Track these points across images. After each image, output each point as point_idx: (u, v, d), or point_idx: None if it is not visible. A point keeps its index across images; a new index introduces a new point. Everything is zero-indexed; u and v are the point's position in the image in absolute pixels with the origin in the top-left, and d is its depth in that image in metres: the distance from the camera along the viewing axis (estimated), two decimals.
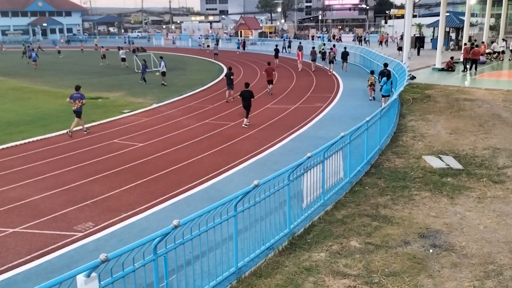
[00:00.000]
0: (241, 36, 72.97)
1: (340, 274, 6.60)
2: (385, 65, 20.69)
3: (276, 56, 37.41)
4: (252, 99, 16.63)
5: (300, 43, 44.16)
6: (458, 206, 8.98)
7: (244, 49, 53.93)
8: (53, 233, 8.34)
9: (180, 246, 5.63)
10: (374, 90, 21.07)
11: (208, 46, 59.19)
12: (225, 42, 65.70)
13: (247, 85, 17.18)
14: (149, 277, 5.51)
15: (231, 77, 21.97)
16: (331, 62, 31.34)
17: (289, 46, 50.10)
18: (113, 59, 42.70)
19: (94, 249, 7.65)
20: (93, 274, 4.52)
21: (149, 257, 5.22)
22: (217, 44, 51.63)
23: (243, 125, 16.52)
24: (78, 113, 16.01)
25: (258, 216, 7.26)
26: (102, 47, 48.47)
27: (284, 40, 57.47)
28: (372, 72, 22.09)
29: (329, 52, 32.31)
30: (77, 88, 16.56)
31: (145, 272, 5.32)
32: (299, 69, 33.70)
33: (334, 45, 38.31)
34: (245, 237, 7.27)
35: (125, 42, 73.09)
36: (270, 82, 23.89)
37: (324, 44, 42.64)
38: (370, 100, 21.01)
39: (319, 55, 35.19)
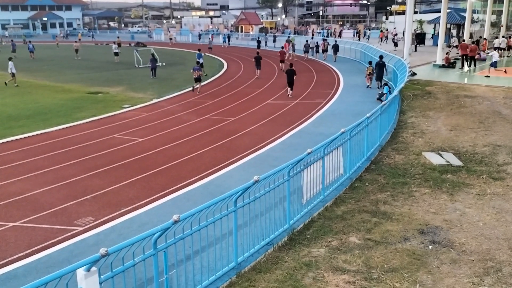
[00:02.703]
0: (241, 31, 73.45)
1: (340, 269, 6.62)
2: (381, 57, 22.72)
3: (258, 47, 45.40)
4: (295, 76, 21.15)
5: (288, 36, 50.01)
6: (457, 202, 9.00)
7: (229, 43, 56.87)
8: (53, 227, 8.36)
9: (180, 241, 5.65)
10: (371, 79, 23.32)
11: (170, 39, 63.68)
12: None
13: (291, 65, 22.02)
14: (149, 271, 5.52)
15: (260, 61, 27.50)
16: (325, 51, 37.76)
17: (274, 41, 54.04)
18: (88, 52, 42.63)
19: (94, 244, 7.67)
20: (93, 268, 4.53)
21: (149, 251, 5.23)
22: (199, 38, 63.18)
23: (288, 95, 21.23)
24: (198, 80, 23.12)
25: (258, 212, 7.27)
26: (76, 41, 49.96)
27: (262, 36, 61.10)
28: (370, 63, 24.15)
29: (322, 43, 38.97)
30: (198, 62, 25.69)
31: (145, 267, 5.34)
32: (286, 57, 37.04)
33: (324, 39, 43.72)
34: (245, 232, 7.28)
35: (90, 36, 73.92)
36: (282, 61, 30.97)
37: (309, 40, 46.74)
38: (368, 87, 23.22)
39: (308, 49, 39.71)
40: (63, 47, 56.66)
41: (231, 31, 78.20)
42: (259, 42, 47.33)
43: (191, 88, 23.69)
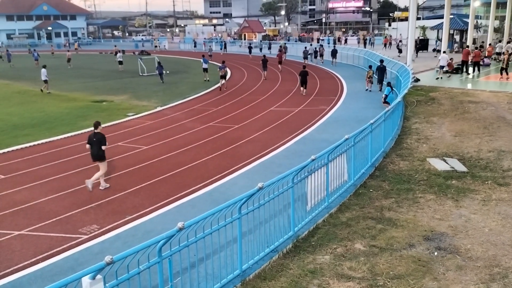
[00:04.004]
0: (245, 39, 74.22)
1: (345, 277, 6.59)
2: (381, 61, 24.11)
3: (250, 52, 50.02)
4: (307, 76, 23.87)
5: (285, 43, 54.43)
6: (463, 208, 8.96)
7: (225, 50, 59.78)
8: (58, 236, 8.38)
9: (185, 248, 5.65)
10: (371, 83, 24.51)
11: (156, 46, 69.03)
12: (229, 45, 67.14)
13: (304, 67, 24.84)
14: (154, 279, 5.53)
15: (266, 63, 30.90)
16: (321, 55, 41.53)
17: (269, 48, 56.76)
18: (92, 61, 42.90)
19: (99, 252, 7.68)
20: (98, 277, 4.54)
21: (154, 259, 5.24)
22: (195, 46, 68.01)
23: (301, 94, 23.78)
24: (223, 77, 26.52)
25: (262, 219, 7.26)
26: (68, 50, 51.94)
27: (256, 43, 65.95)
28: (370, 67, 25.62)
29: (319, 49, 42.85)
30: (223, 62, 27.17)
31: (150, 275, 5.34)
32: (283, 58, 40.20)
33: (321, 45, 47.78)
34: (250, 239, 7.28)
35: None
36: (280, 62, 35.79)
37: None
38: (366, 90, 24.28)
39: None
40: (60, 56, 57.19)
41: (234, 39, 78.95)
42: (250, 48, 51.91)
43: (218, 87, 26.86)
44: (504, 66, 25.94)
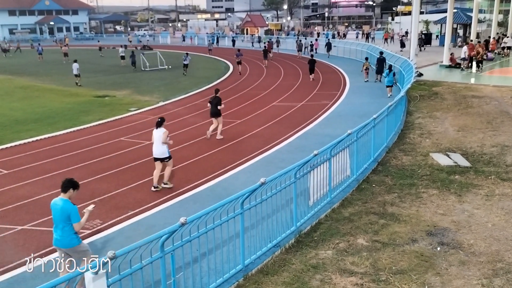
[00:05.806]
0: (246, 33, 74.34)
1: (347, 272, 6.59)
2: (381, 53, 25.50)
3: (233, 45, 54.14)
4: (315, 64, 26.75)
5: (277, 37, 57.76)
6: (466, 203, 8.93)
7: (218, 44, 61.30)
8: None
9: (187, 243, 5.66)
10: (368, 74, 25.80)
11: (130, 41, 69.65)
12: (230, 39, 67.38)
13: (312, 56, 28.23)
14: (156, 274, 5.52)
15: (267, 53, 35.58)
16: (300, 50, 42.59)
17: (259, 41, 58.62)
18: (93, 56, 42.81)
19: (101, 247, 7.70)
20: (101, 271, 4.54)
21: (156, 254, 5.24)
22: (183, 40, 71.25)
23: (311, 80, 26.30)
24: (239, 63, 31.36)
25: (264, 214, 7.26)
26: (66, 45, 53.34)
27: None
28: (366, 59, 27.20)
29: (314, 43, 44.44)
30: (238, 50, 32.70)
31: (152, 269, 5.34)
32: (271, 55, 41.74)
33: (316, 39, 50.34)
34: (252, 234, 7.28)
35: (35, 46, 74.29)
36: (269, 52, 37.88)
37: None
38: (365, 81, 25.38)
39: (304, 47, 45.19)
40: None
41: (236, 33, 78.99)
42: (234, 41, 56.55)
43: (237, 72, 31.39)
44: (480, 59, 26.25)
